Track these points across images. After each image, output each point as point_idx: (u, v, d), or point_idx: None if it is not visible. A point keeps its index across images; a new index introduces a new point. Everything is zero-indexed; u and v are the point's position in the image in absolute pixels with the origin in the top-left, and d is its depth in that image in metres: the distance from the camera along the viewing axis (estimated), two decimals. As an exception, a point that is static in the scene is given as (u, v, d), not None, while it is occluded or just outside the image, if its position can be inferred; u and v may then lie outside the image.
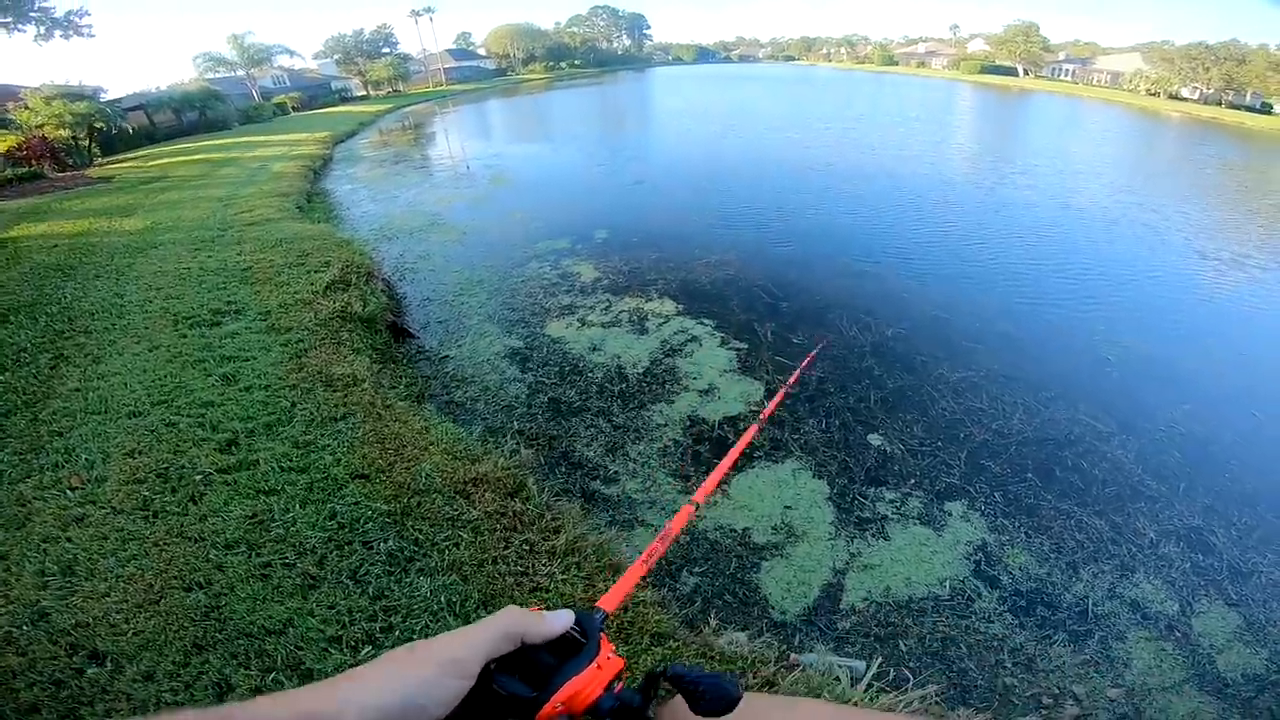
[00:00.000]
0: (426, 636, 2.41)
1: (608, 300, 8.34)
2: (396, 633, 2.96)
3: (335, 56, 65.67)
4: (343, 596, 3.15)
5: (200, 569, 3.30)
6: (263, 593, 3.15)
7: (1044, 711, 3.23)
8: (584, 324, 7.65)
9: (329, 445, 4.47)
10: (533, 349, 7.08)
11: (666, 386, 6.24)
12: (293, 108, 46.38)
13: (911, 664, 3.43)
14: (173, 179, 17.54)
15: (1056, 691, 3.34)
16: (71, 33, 27.92)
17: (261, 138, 27.97)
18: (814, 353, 4.02)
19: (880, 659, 3.37)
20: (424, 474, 4.15)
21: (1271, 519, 4.61)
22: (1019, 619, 3.79)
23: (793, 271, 9.41)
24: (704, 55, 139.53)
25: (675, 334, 7.31)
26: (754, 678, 2.86)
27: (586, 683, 0.61)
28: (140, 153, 26.72)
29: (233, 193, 14.63)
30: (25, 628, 2.92)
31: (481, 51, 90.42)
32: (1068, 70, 70.29)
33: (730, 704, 0.60)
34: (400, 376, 6.18)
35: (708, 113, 34.03)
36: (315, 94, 54.26)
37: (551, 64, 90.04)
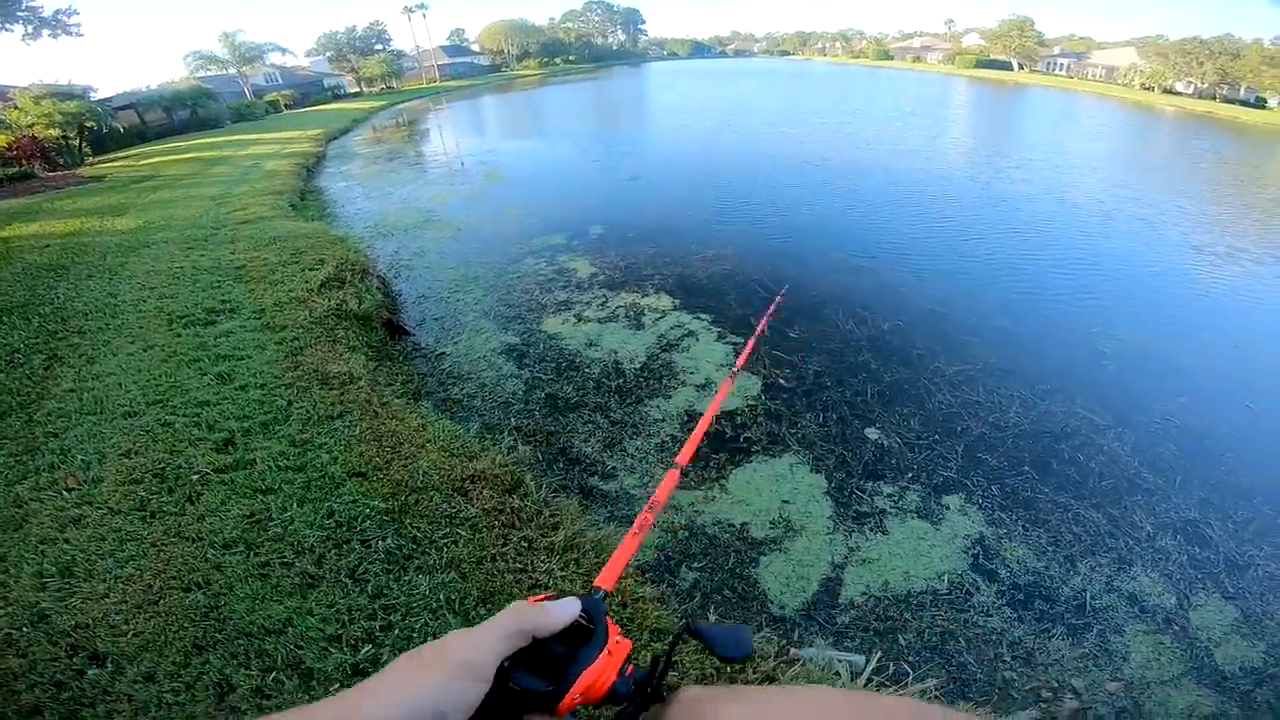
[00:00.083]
0: (426, 634, 2.41)
1: (604, 296, 8.32)
2: (396, 631, 2.95)
3: (328, 54, 65.47)
4: (342, 595, 3.14)
5: (199, 569, 3.29)
6: (262, 592, 3.14)
7: (1043, 705, 3.24)
8: (580, 320, 7.64)
9: (326, 444, 4.46)
10: (529, 345, 7.07)
11: (663, 381, 6.24)
12: (285, 105, 46.18)
13: (911, 658, 3.44)
14: (165, 178, 17.46)
15: (1055, 685, 3.36)
16: (60, 32, 27.76)
17: (254, 136, 27.85)
18: (779, 298, 4.02)
19: (880, 653, 3.38)
20: (421, 471, 4.14)
21: (1268, 512, 4.63)
22: (1017, 612, 3.80)
23: (789, 266, 9.41)
24: (699, 50, 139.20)
25: (672, 329, 7.31)
26: (754, 673, 2.87)
27: (601, 670, 0.61)
28: (132, 152, 26.58)
29: (225, 191, 14.57)
30: (25, 629, 2.91)
31: (475, 48, 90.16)
32: (1062, 65, 70.37)
33: (746, 647, 0.66)
34: (396, 374, 6.17)
35: (703, 108, 33.98)
36: (308, 91, 54.05)
37: (546, 60, 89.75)
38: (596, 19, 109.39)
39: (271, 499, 3.86)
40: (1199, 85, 50.61)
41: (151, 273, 8.35)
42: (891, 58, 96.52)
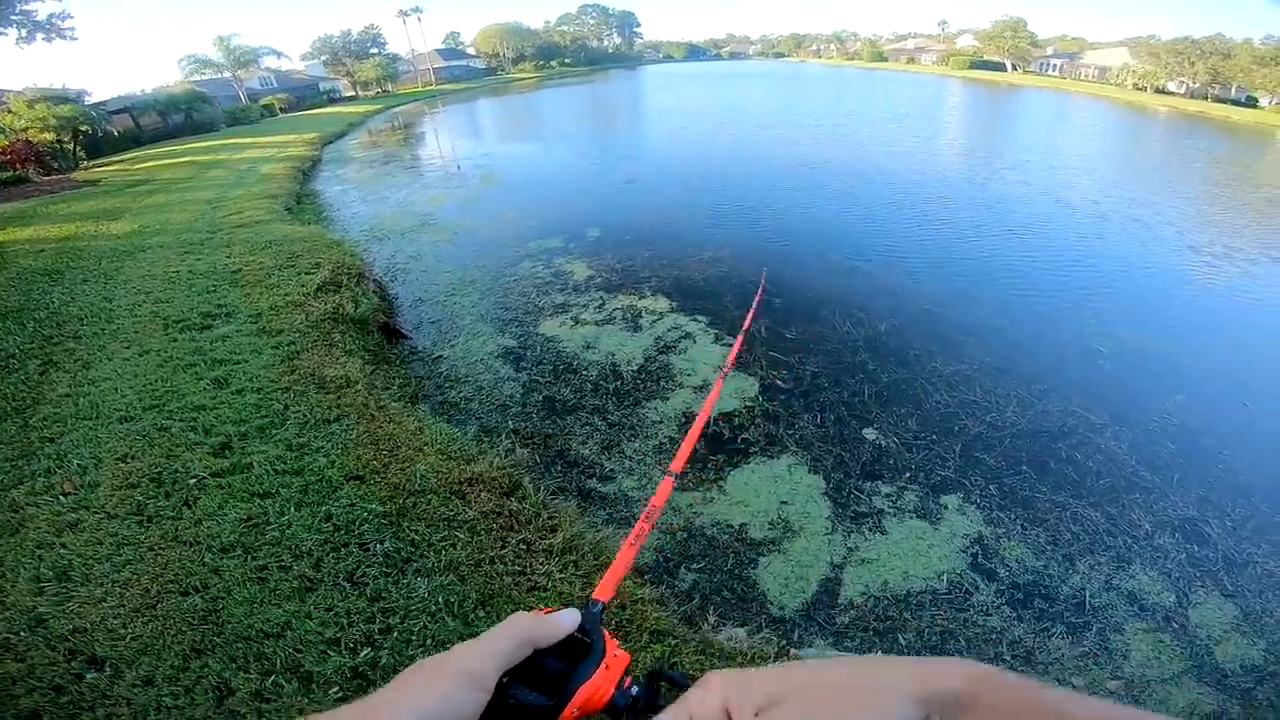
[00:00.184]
0: (425, 637, 2.40)
1: (601, 298, 8.32)
2: (395, 634, 2.95)
3: (323, 57, 65.39)
4: (340, 598, 3.13)
5: (196, 573, 3.28)
6: (260, 596, 3.13)
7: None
8: (578, 322, 7.64)
9: (323, 447, 4.45)
10: (526, 348, 7.06)
11: (661, 383, 6.24)
12: (280, 109, 46.10)
13: (910, 657, 3.43)
14: (160, 182, 17.42)
15: (1056, 684, 3.35)
16: (54, 36, 27.64)
17: (249, 140, 27.80)
18: (760, 292, 4.03)
19: (880, 653, 3.38)
20: (419, 475, 4.14)
21: (1266, 510, 4.64)
22: (1017, 611, 3.80)
23: (786, 268, 9.42)
24: (695, 53, 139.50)
25: (669, 331, 7.31)
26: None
27: (599, 684, 0.61)
28: (126, 156, 26.54)
29: (221, 195, 14.54)
30: (23, 634, 2.90)
31: (471, 51, 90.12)
32: (1055, 65, 70.58)
33: None
34: (394, 377, 6.16)
35: (699, 111, 34.04)
36: (303, 95, 53.97)
37: (541, 63, 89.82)
38: (592, 22, 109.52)
39: (269, 503, 3.85)
40: (1191, 85, 50.80)
41: (147, 277, 8.33)
42: (886, 59, 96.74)
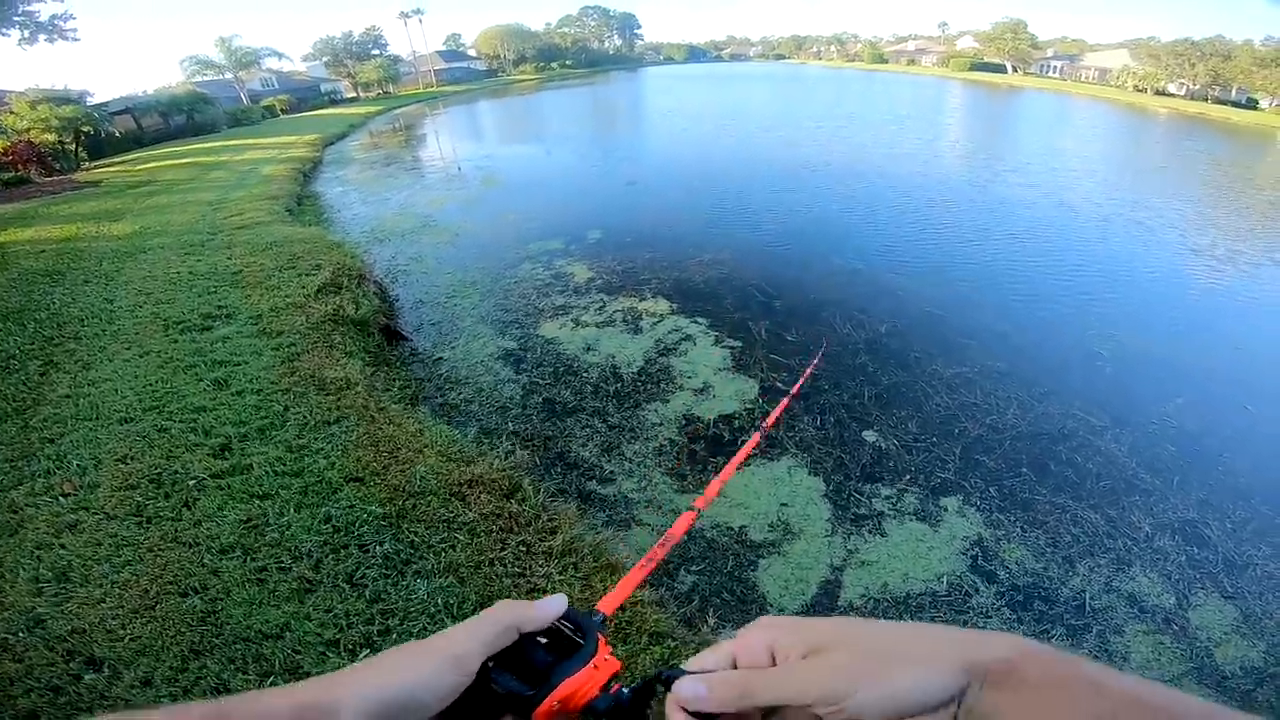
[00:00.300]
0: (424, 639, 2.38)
1: (601, 300, 8.33)
2: (394, 635, 2.94)
3: (324, 59, 65.44)
4: (339, 600, 3.13)
5: (195, 574, 3.28)
6: (259, 597, 3.13)
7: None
8: (578, 324, 7.64)
9: (323, 449, 4.45)
10: (527, 350, 7.07)
11: (661, 385, 6.24)
12: (281, 110, 46.17)
13: (910, 660, 3.43)
14: (161, 183, 17.44)
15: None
16: (56, 37, 27.69)
17: (250, 141, 27.84)
18: (816, 359, 4.04)
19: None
20: (419, 476, 4.13)
21: (1266, 512, 4.64)
22: (1017, 614, 3.80)
23: (786, 270, 9.43)
24: (695, 54, 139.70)
25: (669, 333, 7.31)
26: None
27: (583, 682, 0.60)
28: (128, 157, 26.57)
29: (222, 196, 14.55)
30: (21, 634, 2.90)
31: (472, 53, 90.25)
32: (1056, 67, 70.60)
33: None
34: (394, 379, 6.16)
35: (699, 113, 34.07)
36: (304, 96, 54.04)
37: (542, 65, 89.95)
38: (593, 24, 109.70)
39: (268, 504, 3.85)
40: (1191, 87, 50.81)
41: (148, 278, 8.34)
42: (886, 61, 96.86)
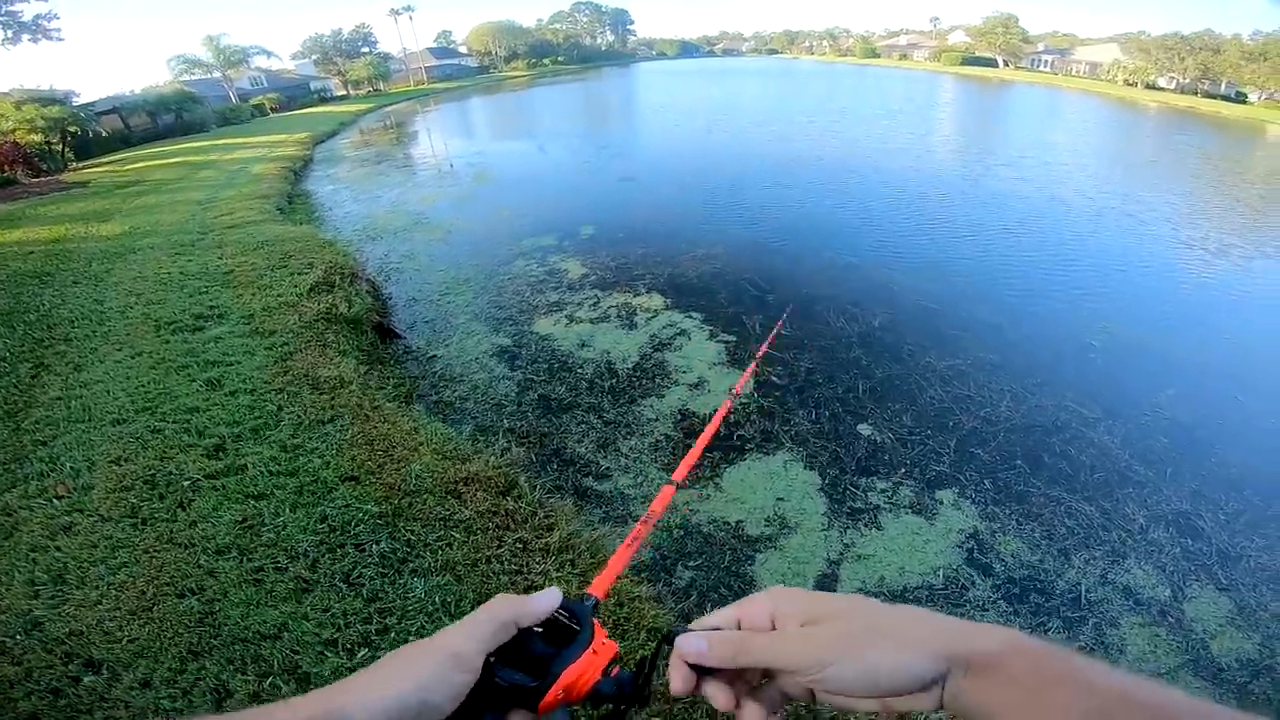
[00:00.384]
0: (422, 638, 2.39)
1: (596, 296, 8.32)
2: (392, 634, 2.94)
3: (314, 57, 65.01)
4: (336, 599, 3.13)
5: (192, 575, 3.26)
6: (256, 597, 3.12)
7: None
8: (572, 320, 7.63)
9: (317, 448, 4.44)
10: (521, 346, 7.06)
11: (656, 381, 6.24)
12: (271, 109, 45.84)
13: (907, 652, 3.44)
14: (150, 183, 17.31)
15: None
16: (40, 36, 27.51)
17: (240, 140, 27.66)
18: (780, 321, 4.06)
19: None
20: (414, 475, 4.13)
21: (1258, 503, 4.68)
22: (1013, 606, 3.82)
23: (779, 264, 9.44)
24: (688, 50, 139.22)
25: (664, 328, 7.31)
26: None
27: (584, 668, 0.61)
28: (116, 157, 26.35)
29: (212, 196, 14.46)
30: (19, 637, 2.89)
31: (463, 49, 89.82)
32: (1046, 61, 70.82)
33: None
34: (388, 377, 6.14)
35: (692, 108, 34.01)
36: (294, 95, 53.71)
37: (534, 61, 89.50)
38: (584, 20, 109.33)
39: (264, 504, 3.84)
40: (1181, 81, 51.09)
41: (138, 279, 8.28)
42: (878, 56, 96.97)
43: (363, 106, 44.96)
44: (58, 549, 3.47)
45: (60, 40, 28.28)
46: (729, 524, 4.39)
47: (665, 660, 0.61)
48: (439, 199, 14.88)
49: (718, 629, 0.59)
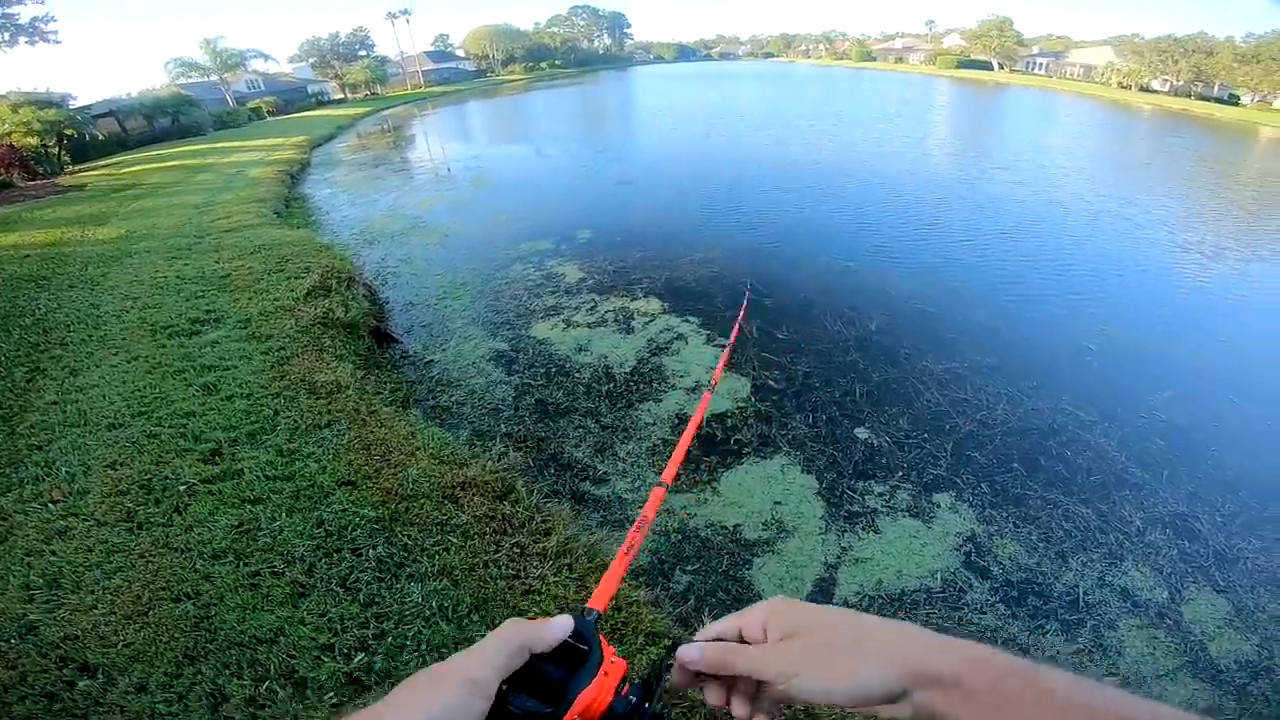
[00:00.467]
0: (419, 642, 2.39)
1: (593, 300, 8.32)
2: (389, 639, 2.93)
3: (311, 60, 64.94)
4: (333, 604, 3.12)
5: (188, 579, 3.25)
6: (253, 602, 3.11)
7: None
8: (570, 325, 7.63)
9: (314, 453, 4.43)
10: (518, 351, 7.05)
11: (654, 385, 6.24)
12: (268, 112, 45.81)
13: (905, 656, 3.44)
14: (146, 186, 17.29)
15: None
16: (37, 39, 27.44)
17: (237, 143, 27.62)
18: (744, 304, 4.08)
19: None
20: (411, 479, 4.12)
21: (1254, 505, 4.69)
22: (1011, 609, 3.82)
23: (777, 268, 9.45)
24: (685, 53, 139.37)
25: (661, 332, 7.31)
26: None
27: (598, 691, 0.61)
28: (112, 160, 26.29)
29: (209, 199, 14.44)
30: (14, 641, 2.88)
31: (460, 53, 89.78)
32: (1041, 64, 71.01)
33: None
34: (385, 382, 6.13)
35: (689, 112, 34.05)
36: (291, 98, 53.64)
37: (531, 64, 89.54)
38: (582, 23, 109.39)
39: (260, 509, 3.83)
40: (1174, 83, 51.24)
41: (134, 283, 8.27)
42: (874, 59, 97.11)
43: (360, 110, 44.98)
44: (53, 553, 3.46)
45: (57, 43, 28.21)
46: (726, 528, 4.39)
47: (669, 669, 0.63)
48: (436, 203, 14.88)
49: (719, 638, 0.63)
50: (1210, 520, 4.54)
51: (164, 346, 6.21)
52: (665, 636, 3.05)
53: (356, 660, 2.80)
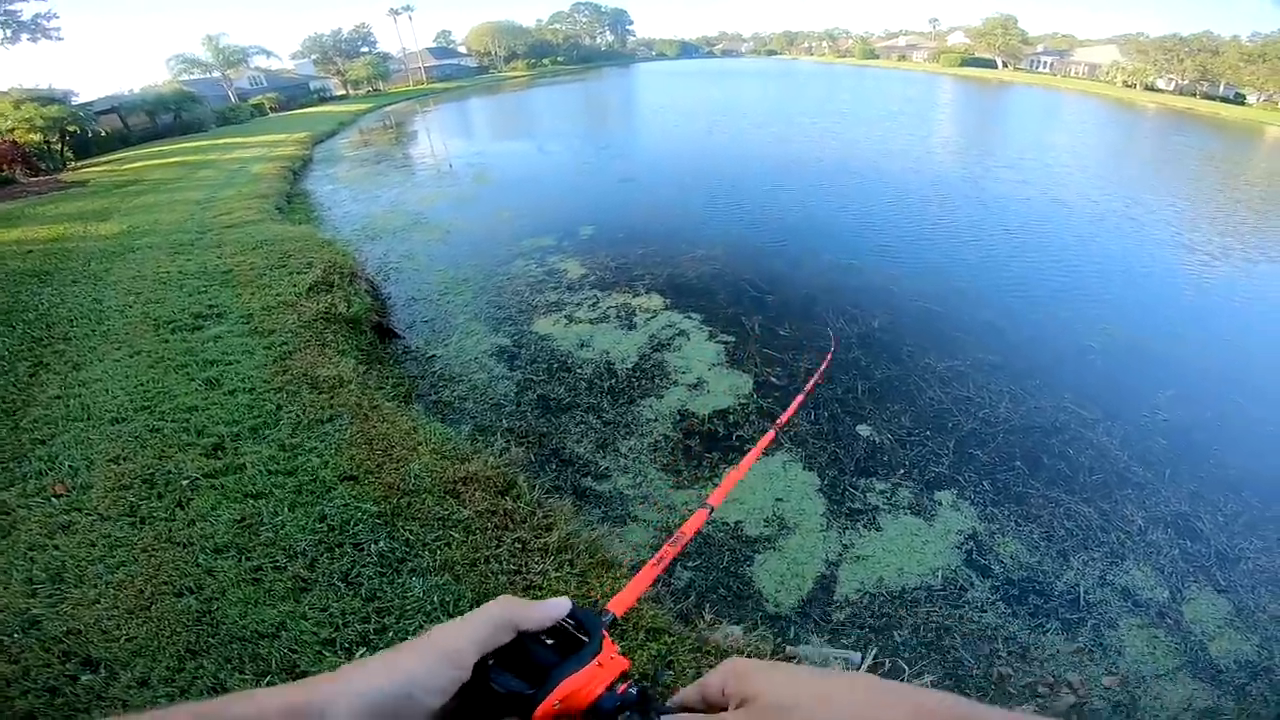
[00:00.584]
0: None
1: (595, 296, 8.32)
2: (390, 634, 2.94)
3: (313, 56, 64.96)
4: (335, 599, 3.12)
5: (190, 574, 3.26)
6: (254, 596, 3.12)
7: (1040, 700, 3.26)
8: (572, 320, 7.63)
9: (316, 448, 4.43)
10: (520, 346, 7.05)
11: (655, 381, 6.24)
12: (270, 108, 45.78)
13: (906, 654, 3.45)
14: (149, 182, 17.29)
15: (1052, 680, 3.37)
16: (39, 36, 27.46)
17: (239, 139, 27.61)
18: (829, 356, 4.04)
19: (876, 650, 3.40)
20: (413, 474, 4.12)
21: (1256, 505, 4.68)
22: (1012, 608, 3.82)
23: (778, 265, 9.44)
24: (687, 50, 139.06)
25: (663, 328, 7.31)
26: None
27: (586, 680, 0.59)
28: (115, 156, 26.31)
29: (211, 195, 14.45)
30: (16, 635, 2.88)
31: (462, 49, 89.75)
32: (1046, 62, 70.87)
33: None
34: (387, 377, 6.13)
35: (692, 109, 34.00)
36: (293, 94, 53.66)
37: (534, 61, 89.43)
38: (584, 20, 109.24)
39: (262, 503, 3.83)
40: (1179, 82, 51.12)
41: (137, 278, 8.27)
42: (877, 57, 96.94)
43: (362, 106, 44.93)
44: (56, 548, 3.47)
45: (59, 39, 28.26)
46: (728, 524, 4.39)
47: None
48: (438, 199, 14.88)
49: (684, 707, 0.60)
50: (1212, 520, 4.53)
51: (166, 341, 6.21)
52: (665, 632, 3.05)
53: (358, 655, 2.81)
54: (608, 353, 6.80)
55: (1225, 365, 6.86)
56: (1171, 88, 51.85)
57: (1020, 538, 4.32)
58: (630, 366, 6.52)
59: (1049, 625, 3.71)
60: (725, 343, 6.95)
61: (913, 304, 8.07)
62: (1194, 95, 49.18)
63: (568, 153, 20.93)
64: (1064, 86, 55.43)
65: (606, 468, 5.03)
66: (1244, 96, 47.19)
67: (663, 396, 5.98)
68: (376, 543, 3.52)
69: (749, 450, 1.36)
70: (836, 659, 3.24)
